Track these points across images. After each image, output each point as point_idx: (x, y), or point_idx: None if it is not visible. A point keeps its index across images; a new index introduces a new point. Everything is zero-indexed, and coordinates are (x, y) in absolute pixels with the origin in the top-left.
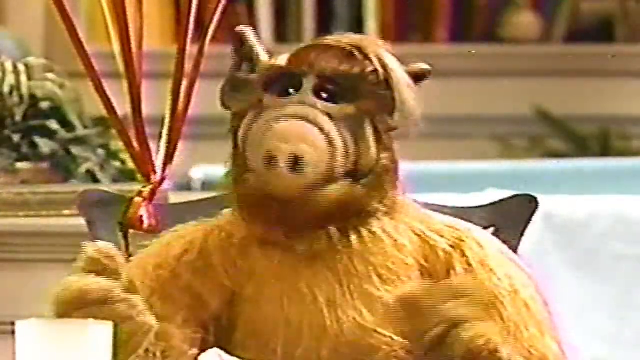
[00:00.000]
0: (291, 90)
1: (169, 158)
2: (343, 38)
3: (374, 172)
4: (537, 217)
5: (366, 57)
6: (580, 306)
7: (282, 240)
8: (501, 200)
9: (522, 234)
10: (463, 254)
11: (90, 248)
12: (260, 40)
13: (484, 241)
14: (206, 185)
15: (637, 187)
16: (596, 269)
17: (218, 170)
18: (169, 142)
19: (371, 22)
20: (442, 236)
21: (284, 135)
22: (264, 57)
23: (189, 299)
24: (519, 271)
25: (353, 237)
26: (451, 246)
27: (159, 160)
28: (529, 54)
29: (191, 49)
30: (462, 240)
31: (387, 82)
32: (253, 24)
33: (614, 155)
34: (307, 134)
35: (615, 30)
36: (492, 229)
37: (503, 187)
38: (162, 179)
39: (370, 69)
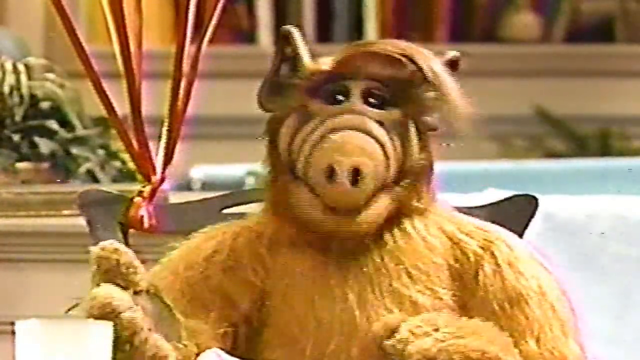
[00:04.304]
0: (339, 97)
1: (168, 158)
2: (387, 43)
3: (414, 173)
4: (537, 217)
5: (412, 61)
6: (580, 306)
7: (320, 242)
8: (501, 200)
9: (522, 234)
10: (492, 255)
11: (95, 248)
12: (306, 42)
13: (512, 243)
14: (206, 185)
15: (637, 187)
16: (596, 269)
17: (218, 170)
18: (168, 142)
19: (371, 22)
20: (472, 237)
21: (343, 147)
22: (307, 60)
23: (220, 300)
24: (546, 273)
25: (385, 237)
26: (481, 247)
27: (159, 160)
28: (529, 54)
29: (190, 49)
30: (492, 242)
31: (432, 84)
32: (253, 24)
33: (614, 155)
34: (365, 146)
35: (615, 30)
36: None
37: (503, 187)
38: (162, 179)
39: (415, 71)
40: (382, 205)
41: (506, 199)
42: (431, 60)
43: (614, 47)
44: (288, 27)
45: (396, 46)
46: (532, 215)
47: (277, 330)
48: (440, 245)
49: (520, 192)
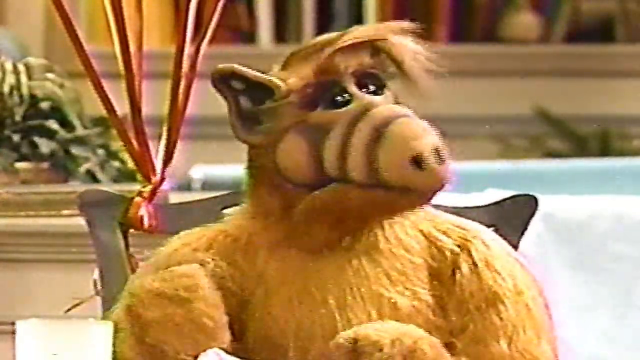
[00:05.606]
0: (339, 99)
1: (168, 158)
2: (350, 34)
3: None
4: (537, 217)
5: (376, 46)
6: (580, 306)
7: (297, 245)
8: (501, 200)
9: (522, 234)
10: (469, 254)
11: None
12: (252, 68)
13: (490, 241)
14: (206, 185)
15: (637, 187)
16: (596, 269)
17: (218, 170)
18: (168, 142)
19: (371, 22)
20: (448, 236)
21: (412, 134)
22: (276, 81)
23: None
24: (523, 272)
25: (363, 238)
26: (458, 246)
27: (159, 160)
28: (529, 54)
29: (190, 49)
30: (469, 240)
31: (398, 64)
32: (253, 24)
33: (614, 155)
34: (423, 126)
35: (615, 30)
36: (492, 229)
37: (503, 187)
38: (162, 179)
39: (382, 56)
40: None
41: (506, 199)
42: (394, 39)
43: (614, 47)
44: (224, 66)
45: (360, 35)
46: (532, 215)
47: (258, 334)
48: (417, 244)
49: (520, 192)
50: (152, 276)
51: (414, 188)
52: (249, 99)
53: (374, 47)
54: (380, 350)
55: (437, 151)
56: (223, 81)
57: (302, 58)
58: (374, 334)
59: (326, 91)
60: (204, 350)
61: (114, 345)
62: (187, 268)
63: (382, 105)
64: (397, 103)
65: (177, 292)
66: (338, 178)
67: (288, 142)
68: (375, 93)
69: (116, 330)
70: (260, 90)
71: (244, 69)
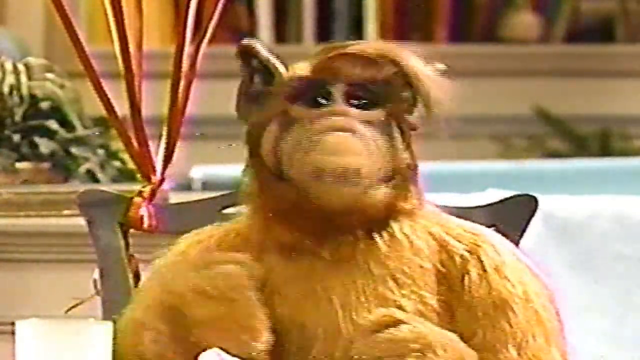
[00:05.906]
0: (321, 100)
1: (168, 158)
2: (365, 45)
3: (400, 173)
4: (537, 217)
5: (390, 61)
6: (580, 306)
7: (308, 246)
8: (501, 200)
9: (522, 234)
10: (479, 260)
11: None
12: (270, 50)
13: (500, 247)
14: (206, 185)
15: (637, 187)
16: (596, 269)
17: (218, 170)
18: (168, 142)
19: (371, 22)
20: (459, 241)
21: (331, 148)
22: (281, 68)
23: None
24: (533, 279)
25: (372, 241)
26: (468, 251)
27: (159, 160)
28: (529, 54)
29: (190, 49)
30: (479, 246)
31: (411, 83)
32: (253, 24)
33: (614, 155)
34: (352, 145)
35: (615, 30)
36: (492, 229)
37: (503, 187)
38: (162, 179)
39: (394, 72)
40: (381, 192)
41: (506, 199)
42: (411, 59)
43: (614, 47)
44: (248, 41)
45: (374, 47)
46: (532, 215)
47: None
48: (427, 248)
49: (520, 192)
50: (192, 274)
51: (312, 198)
52: (262, 80)
53: (396, 64)
54: (434, 353)
55: (344, 173)
56: (245, 56)
57: (317, 55)
58: (429, 333)
59: (310, 89)
60: (247, 350)
61: (132, 343)
62: (230, 268)
63: (342, 116)
64: (388, 124)
65: (223, 292)
66: (286, 175)
67: (269, 129)
68: (364, 106)
69: (139, 329)
70: (272, 74)
71: (261, 48)
